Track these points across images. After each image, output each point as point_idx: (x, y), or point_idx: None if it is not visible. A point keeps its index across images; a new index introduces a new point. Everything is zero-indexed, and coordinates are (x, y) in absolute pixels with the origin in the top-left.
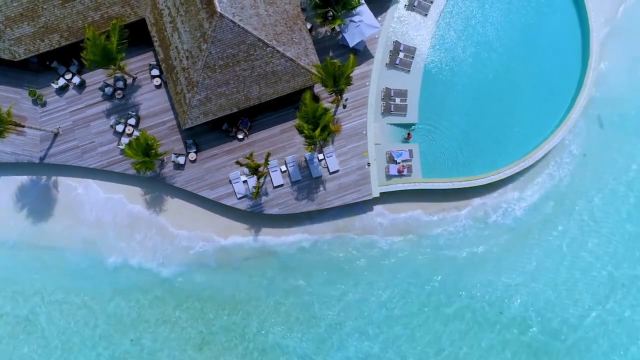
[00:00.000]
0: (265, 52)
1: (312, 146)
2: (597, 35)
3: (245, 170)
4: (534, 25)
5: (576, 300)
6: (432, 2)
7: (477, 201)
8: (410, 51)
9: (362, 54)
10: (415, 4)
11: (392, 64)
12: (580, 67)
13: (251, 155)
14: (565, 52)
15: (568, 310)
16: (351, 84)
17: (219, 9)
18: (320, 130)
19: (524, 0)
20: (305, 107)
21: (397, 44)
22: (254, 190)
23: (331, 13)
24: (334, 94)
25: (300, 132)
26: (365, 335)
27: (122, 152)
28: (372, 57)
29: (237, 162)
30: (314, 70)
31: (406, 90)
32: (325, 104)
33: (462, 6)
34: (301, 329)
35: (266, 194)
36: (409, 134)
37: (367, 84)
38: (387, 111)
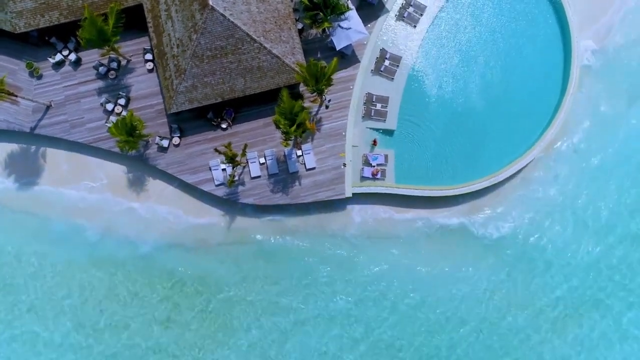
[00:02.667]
0: (252, 47)
1: (288, 142)
2: (578, 62)
3: (224, 158)
4: (518, 46)
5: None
6: (421, 15)
7: (446, 211)
8: (396, 60)
9: (349, 58)
10: (405, 15)
11: (377, 71)
12: (560, 90)
13: (229, 144)
14: (546, 75)
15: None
16: (332, 85)
17: (210, 2)
18: (295, 126)
19: (510, 21)
20: (283, 103)
21: (383, 52)
22: (229, 179)
23: (320, 16)
24: (315, 94)
25: (277, 126)
26: (327, 328)
27: (109, 130)
28: (359, 62)
29: (216, 150)
30: (297, 69)
31: (388, 97)
32: (307, 103)
33: (451, 22)
34: (266, 315)
35: (243, 183)
36: (374, 140)
37: (351, 87)
38: (367, 115)
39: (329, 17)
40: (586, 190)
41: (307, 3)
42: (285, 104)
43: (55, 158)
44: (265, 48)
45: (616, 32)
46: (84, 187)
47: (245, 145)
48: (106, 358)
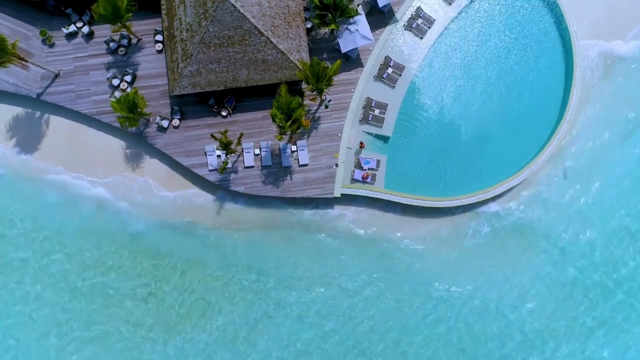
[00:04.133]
0: (259, 40)
1: (283, 136)
2: (578, 90)
3: (219, 144)
4: (522, 67)
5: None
6: (429, 27)
7: (430, 221)
8: (399, 68)
9: (353, 61)
10: (414, 26)
11: (380, 77)
12: (557, 116)
13: (225, 132)
14: (546, 97)
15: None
16: (332, 86)
17: None
18: (291, 122)
19: (516, 43)
20: (281, 98)
21: (388, 59)
22: (221, 165)
23: (329, 17)
24: (315, 92)
25: (274, 120)
26: (299, 320)
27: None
28: (363, 66)
29: (212, 136)
30: (300, 66)
31: (387, 104)
32: (307, 100)
33: (458, 37)
34: (243, 301)
35: (236, 172)
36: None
37: (352, 90)
38: (364, 120)
39: (337, 19)
40: (571, 216)
41: (317, 3)
42: (283, 98)
43: (58, 126)
44: (271, 42)
45: (622, 57)
46: (82, 159)
47: (241, 135)
48: (82, 322)
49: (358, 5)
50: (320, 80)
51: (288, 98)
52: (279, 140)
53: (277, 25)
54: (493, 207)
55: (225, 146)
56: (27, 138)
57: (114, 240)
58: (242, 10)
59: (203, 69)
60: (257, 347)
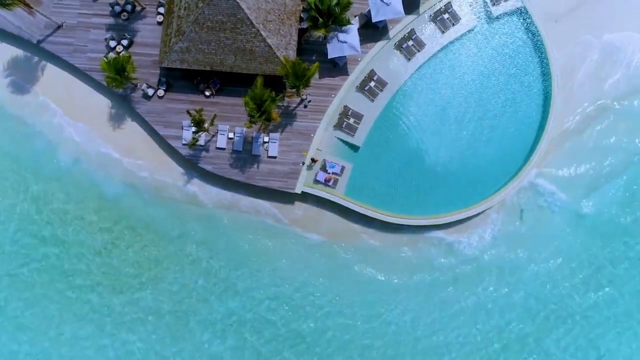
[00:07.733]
0: (250, 31)
1: (252, 124)
2: (548, 137)
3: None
4: (500, 107)
5: None
6: (419, 51)
7: (381, 235)
8: (382, 84)
9: (340, 69)
10: (404, 46)
11: (361, 88)
12: (525, 157)
13: (200, 110)
14: (517, 139)
15: None
16: (309, 87)
17: None
18: (260, 112)
19: (500, 80)
20: (256, 89)
21: (372, 73)
22: (191, 141)
23: (320, 21)
24: (294, 90)
25: (246, 107)
26: (241, 300)
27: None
28: (347, 75)
29: (187, 111)
30: (283, 62)
31: (363, 115)
32: (286, 97)
33: (444, 65)
34: (190, 273)
35: (207, 150)
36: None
37: (333, 95)
38: (338, 126)
39: (328, 26)
40: (514, 255)
41: (313, 7)
42: (258, 89)
43: (52, 75)
44: (261, 35)
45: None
46: (69, 109)
47: (214, 116)
48: (36, 261)
49: (355, 16)
50: (299, 79)
51: (262, 90)
52: (248, 127)
53: (270, 20)
54: (450, 233)
55: (197, 124)
56: (20, 80)
57: (82, 192)
58: (238, 0)
59: (193, 47)
60: (197, 315)
